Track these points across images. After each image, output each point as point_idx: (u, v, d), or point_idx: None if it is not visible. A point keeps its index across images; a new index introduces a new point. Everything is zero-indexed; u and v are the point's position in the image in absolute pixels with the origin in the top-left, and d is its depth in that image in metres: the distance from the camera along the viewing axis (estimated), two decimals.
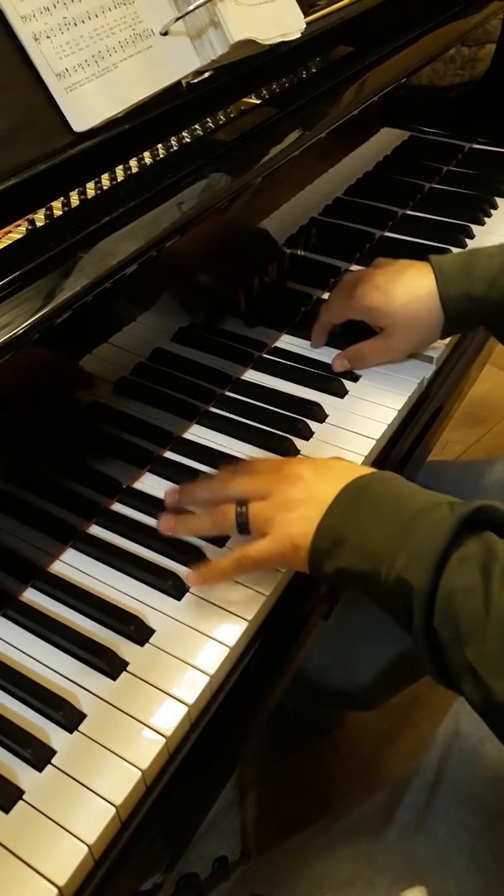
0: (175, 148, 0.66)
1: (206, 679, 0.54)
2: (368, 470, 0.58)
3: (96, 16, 0.58)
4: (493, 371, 1.77)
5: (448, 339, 0.81)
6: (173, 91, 0.62)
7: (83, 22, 0.57)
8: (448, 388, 0.85)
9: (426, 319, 0.74)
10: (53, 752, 0.50)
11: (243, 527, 0.58)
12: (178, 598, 0.59)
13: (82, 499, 0.65)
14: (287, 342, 0.84)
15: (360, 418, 0.74)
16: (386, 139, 1.01)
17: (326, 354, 0.82)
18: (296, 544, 0.55)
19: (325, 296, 0.90)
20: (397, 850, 0.61)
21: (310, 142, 0.73)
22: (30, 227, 0.55)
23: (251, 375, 0.80)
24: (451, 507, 0.50)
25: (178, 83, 0.62)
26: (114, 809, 0.47)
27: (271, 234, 0.81)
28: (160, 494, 0.67)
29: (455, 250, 0.96)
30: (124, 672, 0.54)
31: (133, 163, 0.63)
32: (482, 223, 1.02)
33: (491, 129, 1.18)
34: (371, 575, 0.51)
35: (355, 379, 0.79)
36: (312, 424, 0.73)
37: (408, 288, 0.74)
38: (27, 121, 0.54)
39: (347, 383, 0.78)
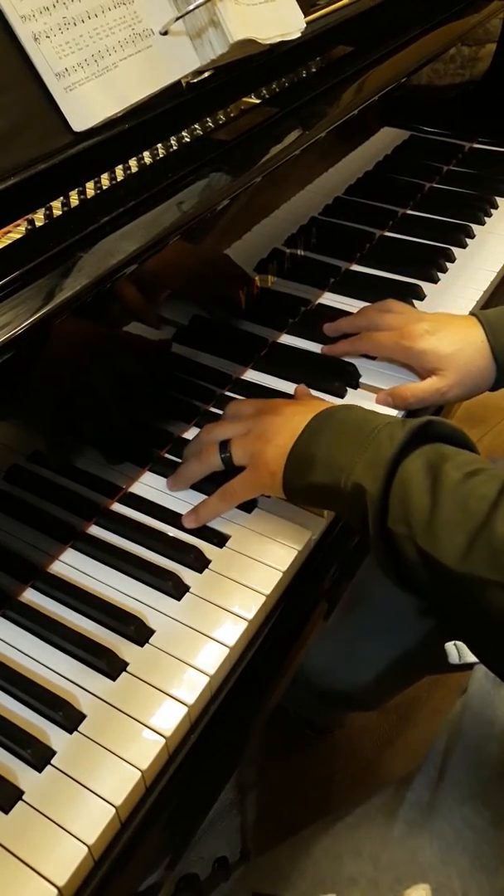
0: (175, 147, 0.66)
1: (206, 679, 0.54)
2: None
3: (96, 15, 0.58)
4: None
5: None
6: (173, 90, 0.62)
7: (83, 21, 0.57)
8: None
9: (481, 366, 0.74)
10: (53, 753, 0.50)
11: (227, 461, 0.63)
12: (178, 598, 0.59)
13: (82, 499, 0.65)
14: (287, 342, 0.84)
15: None
16: (386, 139, 1.01)
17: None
18: (271, 470, 0.60)
19: (326, 295, 0.90)
20: (401, 848, 0.60)
21: (310, 141, 0.73)
22: (29, 227, 0.55)
23: (251, 375, 0.80)
24: (404, 422, 0.56)
25: (178, 83, 0.62)
26: (113, 810, 0.47)
27: (270, 234, 0.81)
28: (160, 495, 0.67)
29: (456, 250, 0.96)
30: (124, 672, 0.54)
31: (133, 162, 0.63)
32: (482, 223, 1.02)
33: (491, 128, 1.18)
34: (332, 486, 0.56)
35: (356, 380, 0.78)
36: None
37: (461, 335, 0.75)
38: (27, 120, 0.54)
39: (347, 384, 0.78)
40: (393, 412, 0.74)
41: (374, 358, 0.81)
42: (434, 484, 0.51)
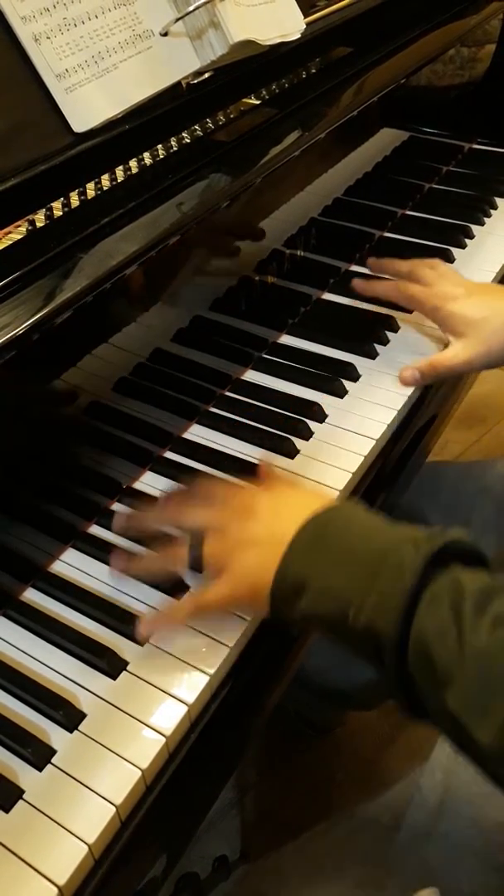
0: (175, 148, 0.66)
1: (206, 679, 0.54)
2: (325, 501, 0.55)
3: (96, 16, 0.58)
4: (493, 371, 1.76)
5: (445, 342, 0.81)
6: (173, 92, 0.62)
7: (83, 23, 0.57)
8: (448, 388, 0.85)
9: None
10: (53, 752, 0.50)
11: (197, 563, 0.55)
12: (179, 598, 0.59)
13: (82, 499, 0.65)
14: (287, 342, 0.84)
15: (360, 418, 0.74)
16: (385, 139, 1.01)
17: (327, 352, 0.82)
18: (255, 589, 0.52)
19: (326, 296, 0.90)
20: (408, 851, 0.60)
21: (309, 142, 0.73)
22: (30, 228, 0.55)
23: (251, 375, 0.80)
24: (416, 545, 0.48)
25: (178, 84, 0.62)
26: (114, 809, 0.47)
27: (269, 234, 0.81)
28: (160, 494, 0.67)
29: (455, 251, 0.97)
30: (124, 672, 0.54)
31: (133, 163, 0.63)
32: (482, 223, 1.03)
33: (490, 129, 1.18)
34: (338, 620, 0.49)
35: (355, 379, 0.79)
36: (312, 424, 0.73)
37: (494, 303, 0.74)
38: (27, 121, 0.54)
39: (347, 383, 0.78)
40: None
41: (374, 357, 0.81)
42: (459, 638, 0.44)
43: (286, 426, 0.73)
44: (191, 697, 0.53)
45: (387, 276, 0.85)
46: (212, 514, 0.56)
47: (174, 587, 0.59)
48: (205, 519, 0.56)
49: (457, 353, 0.75)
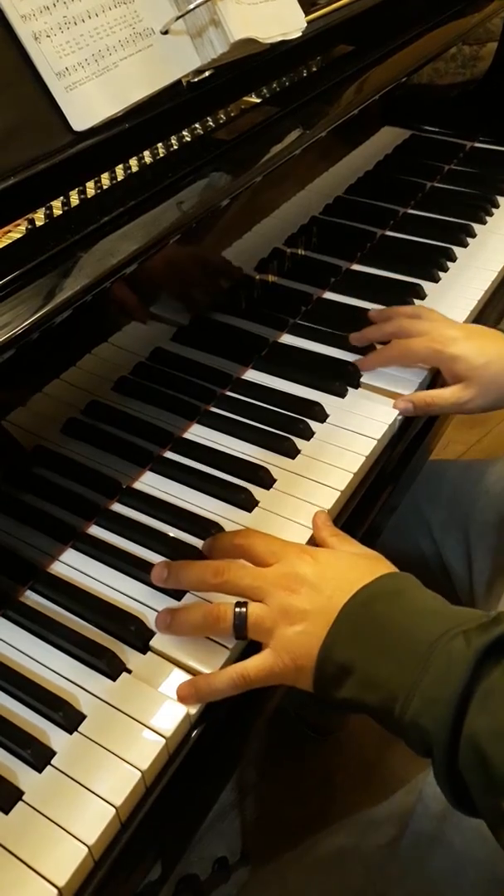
0: (175, 147, 0.65)
1: None
2: (374, 566, 0.54)
3: (96, 15, 0.58)
4: None
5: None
6: (174, 90, 0.62)
7: (83, 21, 0.57)
8: None
9: None
10: (53, 753, 0.50)
11: (240, 631, 0.53)
12: (179, 598, 0.59)
13: (82, 499, 0.65)
14: (288, 341, 0.84)
15: (361, 418, 0.74)
16: (387, 138, 1.01)
17: (328, 352, 0.82)
18: (299, 665, 0.51)
19: (327, 294, 0.90)
20: (412, 859, 0.59)
21: (310, 141, 0.73)
22: (30, 227, 0.55)
23: (251, 375, 0.80)
24: (467, 638, 0.46)
25: (179, 82, 0.62)
26: (114, 810, 0.47)
27: (270, 233, 0.81)
28: (160, 495, 0.67)
29: (457, 249, 0.96)
30: (124, 673, 0.54)
31: (133, 162, 0.63)
32: (484, 222, 1.02)
33: (492, 127, 1.18)
34: (383, 712, 0.47)
35: (356, 379, 0.78)
36: (313, 424, 0.73)
37: (493, 348, 0.74)
38: (27, 120, 0.54)
39: (348, 383, 0.78)
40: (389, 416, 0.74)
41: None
42: None
43: (287, 426, 0.73)
44: None
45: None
46: (257, 581, 0.54)
47: (176, 590, 0.59)
48: (250, 585, 0.54)
49: (454, 393, 0.74)
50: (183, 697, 0.52)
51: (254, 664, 0.52)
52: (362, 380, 0.78)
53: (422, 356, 0.77)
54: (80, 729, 0.51)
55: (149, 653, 0.56)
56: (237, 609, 0.53)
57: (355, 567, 0.54)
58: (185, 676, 0.54)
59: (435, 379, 0.80)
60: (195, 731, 0.53)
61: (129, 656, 0.55)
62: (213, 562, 0.57)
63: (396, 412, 0.74)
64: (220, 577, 0.54)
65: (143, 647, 0.56)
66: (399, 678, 0.47)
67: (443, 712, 0.44)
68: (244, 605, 0.53)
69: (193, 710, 0.52)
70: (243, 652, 0.57)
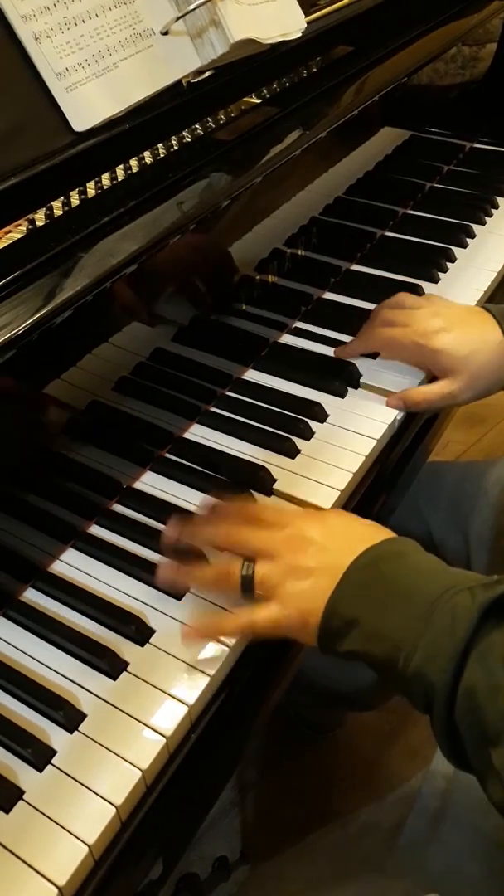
0: (175, 147, 0.66)
1: (207, 679, 0.54)
2: (380, 533, 0.55)
3: (97, 15, 0.58)
4: None
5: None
6: (174, 90, 0.62)
7: (83, 21, 0.57)
8: None
9: (495, 368, 0.71)
10: (54, 752, 0.50)
11: (248, 588, 0.54)
12: (179, 597, 0.59)
13: (82, 499, 0.65)
14: (288, 341, 0.84)
15: (361, 418, 0.74)
16: (387, 139, 1.01)
17: (328, 352, 0.82)
18: (304, 619, 0.52)
19: (327, 295, 0.90)
20: (409, 857, 0.59)
21: (310, 141, 0.73)
22: (30, 227, 0.55)
23: (251, 375, 0.80)
24: (472, 593, 0.47)
25: (179, 82, 0.62)
26: (114, 809, 0.47)
27: (270, 233, 0.81)
28: (160, 494, 0.67)
29: (456, 250, 0.96)
30: (124, 672, 0.54)
31: (133, 162, 0.63)
32: (483, 223, 1.02)
33: (492, 128, 1.18)
34: (387, 663, 0.49)
35: (356, 379, 0.78)
36: (313, 424, 0.73)
37: (477, 335, 0.72)
38: (27, 120, 0.54)
39: (348, 383, 0.78)
40: (392, 417, 0.74)
41: (374, 357, 0.81)
42: None
43: (287, 426, 0.73)
44: (191, 698, 0.53)
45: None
46: (266, 540, 0.55)
47: (177, 591, 0.59)
48: (259, 544, 0.55)
49: (443, 388, 0.73)
50: (187, 636, 0.55)
51: (262, 616, 0.53)
52: (362, 380, 0.78)
53: (403, 349, 0.75)
54: (80, 728, 0.51)
55: (149, 652, 0.56)
56: (244, 570, 0.54)
57: (362, 531, 0.56)
58: (185, 675, 0.54)
59: (434, 378, 0.80)
60: (195, 731, 0.53)
61: (130, 655, 0.55)
62: (225, 524, 0.58)
63: (396, 412, 0.74)
64: (230, 538, 0.56)
65: (144, 646, 0.56)
66: (404, 631, 0.48)
67: (445, 665, 0.45)
68: (252, 562, 0.54)
69: (195, 712, 0.53)
70: (244, 651, 0.57)
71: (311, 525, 0.56)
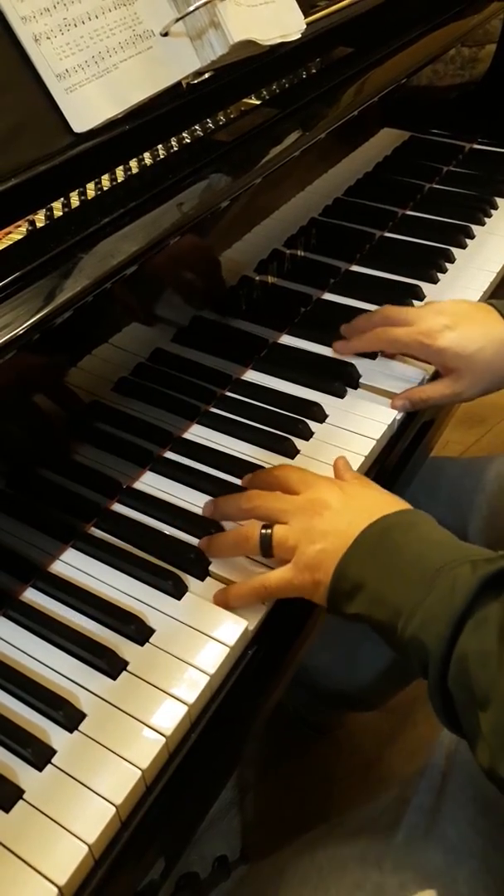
0: (175, 148, 0.66)
1: (207, 679, 0.54)
2: (396, 503, 0.57)
3: (96, 17, 0.58)
4: None
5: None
6: (173, 92, 0.62)
7: (83, 23, 0.57)
8: None
9: (501, 363, 0.71)
10: (53, 752, 0.50)
11: (266, 549, 0.57)
12: (178, 597, 0.59)
13: (82, 499, 0.65)
14: (287, 342, 0.84)
15: (360, 418, 0.74)
16: (386, 140, 1.01)
17: (327, 353, 0.82)
18: (316, 579, 0.55)
19: (326, 296, 0.90)
20: (406, 853, 0.60)
21: (310, 142, 0.73)
22: (30, 228, 0.55)
23: (251, 375, 0.80)
24: (474, 566, 0.49)
25: (179, 84, 0.62)
26: (114, 809, 0.47)
27: (270, 234, 0.81)
28: (160, 494, 0.67)
29: (455, 251, 0.97)
30: (124, 672, 0.54)
31: (133, 163, 0.63)
32: (482, 223, 1.03)
33: (491, 129, 1.18)
34: (388, 627, 0.51)
35: (355, 379, 0.79)
36: (312, 424, 0.73)
37: (482, 332, 0.71)
38: (27, 121, 0.54)
39: (347, 384, 0.78)
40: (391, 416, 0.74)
41: (374, 357, 0.81)
42: (500, 664, 0.45)
43: (286, 426, 0.73)
44: (191, 697, 0.53)
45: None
46: (285, 504, 0.59)
47: (177, 588, 0.59)
48: (279, 507, 0.59)
49: (448, 386, 0.73)
50: (218, 602, 0.58)
51: (275, 576, 0.57)
52: (361, 380, 0.79)
53: (407, 347, 0.75)
54: (80, 728, 0.51)
55: (149, 651, 0.56)
56: (263, 530, 0.57)
57: (379, 500, 0.59)
58: (185, 675, 0.54)
59: (435, 377, 0.80)
60: (195, 731, 0.53)
61: (130, 655, 0.55)
62: (247, 491, 0.62)
63: (395, 412, 0.74)
64: (251, 503, 0.60)
65: (144, 646, 0.56)
66: (406, 596, 0.50)
67: (441, 630, 0.47)
68: (270, 526, 0.58)
69: (195, 711, 0.53)
70: (245, 650, 0.57)
71: (330, 491, 0.59)
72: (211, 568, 0.61)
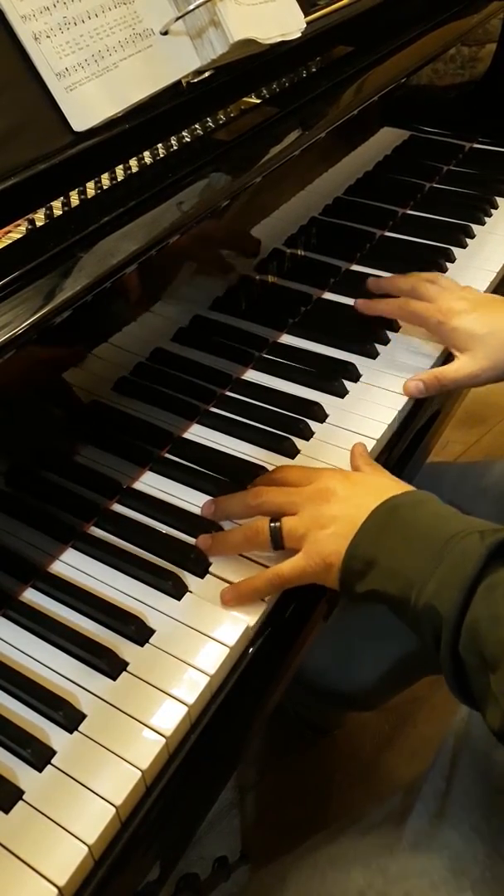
0: (175, 147, 0.66)
1: (206, 679, 0.54)
2: (402, 486, 0.59)
3: (96, 15, 0.58)
4: None
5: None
6: (173, 90, 0.62)
7: (83, 21, 0.57)
8: None
9: None
10: (53, 753, 0.50)
11: (277, 542, 0.58)
12: (178, 598, 0.59)
13: (82, 499, 0.65)
14: (288, 341, 0.84)
15: (361, 418, 0.74)
16: (386, 139, 1.01)
17: (328, 352, 0.82)
18: (328, 562, 0.56)
19: (326, 295, 0.90)
20: (410, 858, 0.59)
21: (310, 141, 0.73)
22: (30, 227, 0.55)
23: (251, 375, 0.80)
24: (482, 535, 0.51)
25: (179, 83, 0.62)
26: (114, 810, 0.47)
27: (270, 234, 0.81)
28: (160, 495, 0.67)
29: (456, 250, 0.96)
30: (124, 672, 0.54)
31: (133, 162, 0.63)
32: (482, 223, 1.02)
33: (491, 128, 1.18)
34: (401, 600, 0.52)
35: (356, 379, 0.79)
36: (313, 424, 0.73)
37: (496, 317, 0.74)
38: (27, 120, 0.54)
39: (348, 383, 0.78)
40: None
41: (374, 357, 0.81)
42: None
43: (287, 426, 0.73)
44: (191, 698, 0.53)
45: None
46: (292, 496, 0.59)
47: (177, 589, 0.59)
48: (286, 500, 0.59)
49: (461, 367, 0.75)
50: (227, 601, 0.58)
51: (288, 565, 0.57)
52: (362, 379, 0.78)
53: (423, 322, 0.79)
54: (80, 728, 0.51)
55: (149, 652, 0.56)
56: (272, 524, 0.58)
57: (385, 483, 0.60)
58: (185, 675, 0.54)
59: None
60: (195, 731, 0.53)
61: (130, 655, 0.55)
62: (254, 488, 0.63)
63: (395, 412, 0.74)
64: (258, 499, 0.60)
65: (144, 646, 0.56)
66: (417, 568, 0.51)
67: (453, 596, 0.48)
68: (277, 519, 0.58)
69: (195, 712, 0.53)
70: (246, 649, 0.57)
71: (334, 479, 0.60)
72: (211, 568, 0.61)
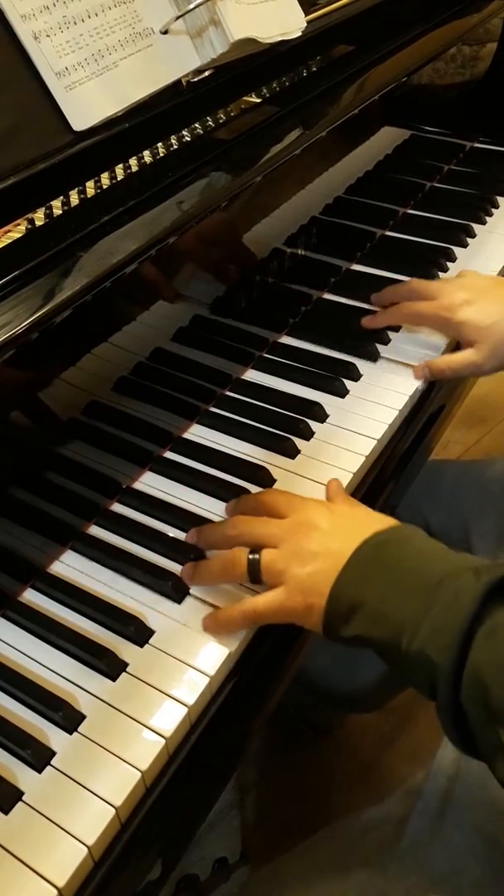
0: (175, 147, 0.65)
1: (206, 680, 0.54)
2: (386, 522, 0.56)
3: (96, 14, 0.58)
4: None
5: (448, 339, 0.81)
6: (173, 90, 0.62)
7: (83, 20, 0.57)
8: (449, 388, 0.85)
9: None
10: (53, 753, 0.50)
11: (254, 575, 0.55)
12: (178, 599, 0.59)
13: (82, 499, 0.65)
14: (288, 342, 0.84)
15: (362, 418, 0.74)
16: (387, 138, 1.01)
17: (328, 352, 0.82)
18: (309, 602, 0.52)
19: (327, 295, 0.90)
20: (411, 858, 0.59)
21: (310, 141, 0.73)
22: (29, 227, 0.55)
23: (251, 375, 0.80)
24: (477, 574, 0.47)
25: (179, 82, 0.62)
26: (113, 810, 0.47)
27: (270, 233, 0.81)
28: (160, 495, 0.67)
29: (457, 250, 0.96)
30: (124, 673, 0.54)
31: (133, 161, 0.63)
32: (483, 222, 1.02)
33: (492, 127, 1.18)
34: (390, 645, 0.48)
35: (356, 378, 0.78)
36: (313, 424, 0.73)
37: (501, 307, 0.75)
38: (27, 120, 0.53)
39: (348, 383, 0.78)
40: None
41: (375, 359, 0.81)
42: None
43: (287, 426, 0.73)
44: (191, 699, 0.52)
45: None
46: (272, 528, 0.56)
47: (177, 589, 0.59)
48: (265, 532, 0.56)
49: (468, 356, 0.76)
50: (206, 628, 0.56)
51: (264, 599, 0.54)
52: (362, 380, 0.78)
53: (428, 321, 0.79)
54: (79, 729, 0.51)
55: (149, 653, 0.56)
56: (251, 556, 0.55)
57: (367, 519, 0.57)
58: (185, 676, 0.54)
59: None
60: (195, 732, 0.53)
61: (129, 656, 0.55)
62: (232, 518, 0.60)
63: (396, 412, 0.74)
64: (236, 529, 0.57)
65: (143, 647, 0.56)
66: (408, 611, 0.48)
67: (449, 641, 0.45)
68: (257, 551, 0.55)
69: (195, 712, 0.52)
70: (246, 648, 0.57)
71: (317, 512, 0.57)
72: None
